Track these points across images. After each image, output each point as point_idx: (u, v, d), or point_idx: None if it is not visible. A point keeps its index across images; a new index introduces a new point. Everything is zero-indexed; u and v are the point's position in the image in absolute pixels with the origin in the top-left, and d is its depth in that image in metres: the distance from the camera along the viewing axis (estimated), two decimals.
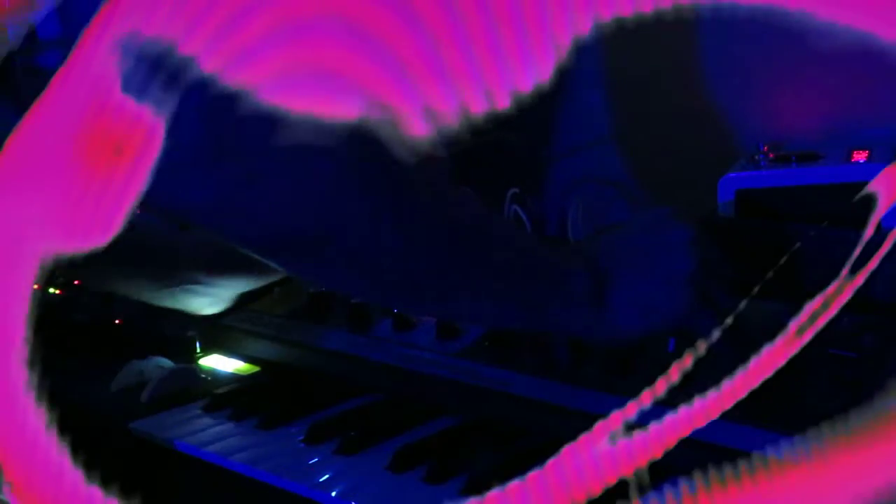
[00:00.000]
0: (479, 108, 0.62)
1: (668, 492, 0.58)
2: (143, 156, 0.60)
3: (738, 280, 0.82)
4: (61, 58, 0.62)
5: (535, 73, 0.62)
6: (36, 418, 0.64)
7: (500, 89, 0.62)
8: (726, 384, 0.61)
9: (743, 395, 0.62)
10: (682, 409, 0.61)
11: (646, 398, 0.61)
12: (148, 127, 0.59)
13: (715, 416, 0.61)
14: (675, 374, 0.61)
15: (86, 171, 0.61)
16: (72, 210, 0.62)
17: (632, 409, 0.61)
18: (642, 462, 0.60)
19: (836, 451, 0.56)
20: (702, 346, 0.64)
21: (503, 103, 0.63)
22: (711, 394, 0.61)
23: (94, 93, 0.60)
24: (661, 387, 0.61)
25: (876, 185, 0.66)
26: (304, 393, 1.00)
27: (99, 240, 0.62)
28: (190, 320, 1.11)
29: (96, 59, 0.60)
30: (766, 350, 0.62)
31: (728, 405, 0.61)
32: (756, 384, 0.62)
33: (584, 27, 0.61)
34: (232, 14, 0.58)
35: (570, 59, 0.61)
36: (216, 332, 1.12)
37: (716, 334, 0.72)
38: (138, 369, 1.08)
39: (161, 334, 1.13)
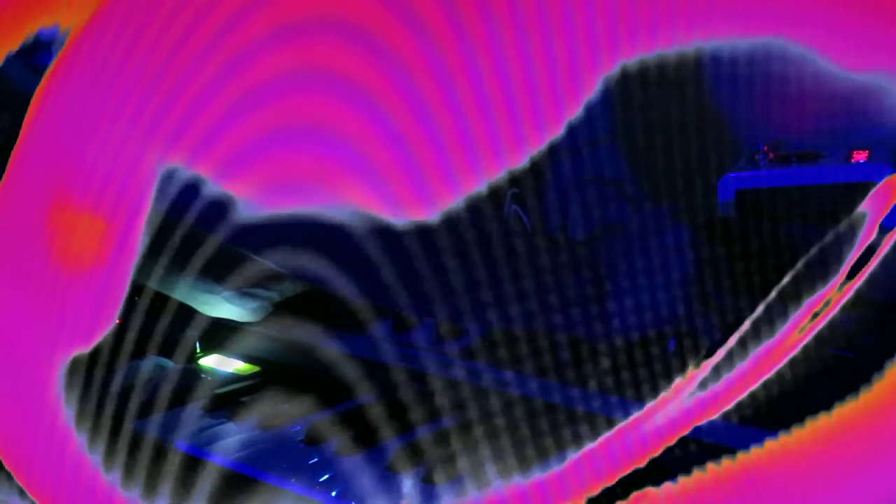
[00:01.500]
0: (497, 174, 0.64)
1: (668, 489, 0.58)
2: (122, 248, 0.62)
3: (738, 280, 0.82)
4: None
5: (549, 133, 0.64)
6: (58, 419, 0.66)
7: (518, 155, 0.64)
8: (726, 383, 0.61)
9: (743, 394, 0.62)
10: (683, 408, 0.61)
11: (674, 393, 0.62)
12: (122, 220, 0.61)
13: (714, 415, 0.61)
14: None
15: (66, 268, 0.62)
16: (66, 314, 0.64)
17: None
18: (642, 460, 0.60)
19: (835, 449, 0.56)
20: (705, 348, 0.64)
21: (519, 163, 0.65)
22: (711, 393, 0.61)
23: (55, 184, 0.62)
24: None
25: (877, 188, 0.67)
26: (304, 393, 1.00)
27: (100, 334, 0.64)
28: (190, 320, 1.11)
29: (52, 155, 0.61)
30: (766, 349, 0.62)
31: (728, 405, 0.61)
32: (756, 384, 0.62)
33: (591, 88, 0.62)
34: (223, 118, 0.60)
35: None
36: (216, 332, 1.12)
37: (716, 334, 0.72)
38: (138, 369, 1.07)
39: (161, 334, 1.13)
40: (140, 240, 0.64)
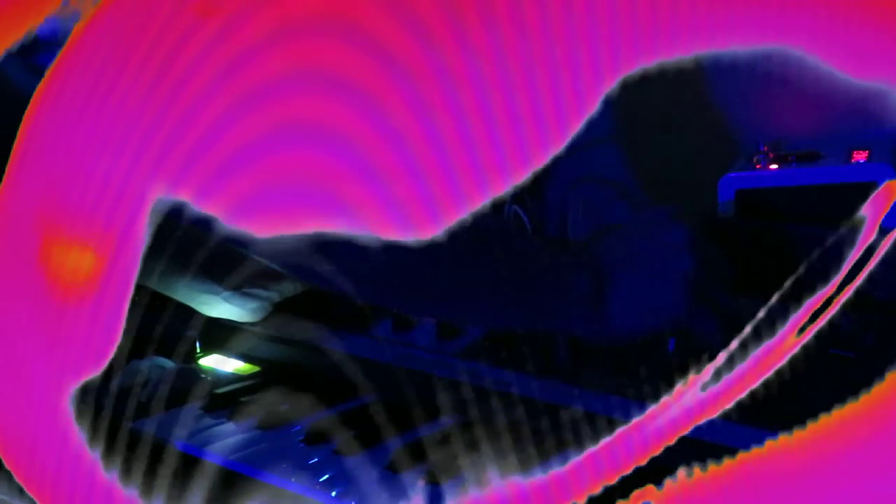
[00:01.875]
0: (503, 189, 0.65)
1: (668, 489, 0.58)
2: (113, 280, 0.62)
3: (738, 280, 0.82)
4: None
5: (552, 150, 0.64)
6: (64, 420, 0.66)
7: (521, 174, 0.64)
8: (726, 383, 0.61)
9: (743, 394, 0.62)
10: (683, 408, 0.61)
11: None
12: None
13: (714, 415, 0.62)
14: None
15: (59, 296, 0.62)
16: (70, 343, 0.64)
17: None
18: (643, 460, 0.60)
19: (835, 449, 0.56)
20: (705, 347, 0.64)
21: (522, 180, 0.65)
22: (711, 393, 0.61)
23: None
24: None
25: (876, 193, 0.67)
26: (304, 393, 1.00)
27: (104, 361, 0.64)
28: (190, 320, 1.11)
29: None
30: (766, 349, 0.62)
31: (728, 405, 0.61)
32: (756, 384, 0.62)
33: (594, 106, 0.62)
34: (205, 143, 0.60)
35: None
36: (216, 332, 1.12)
37: (716, 334, 0.72)
38: (138, 369, 1.07)
39: (161, 334, 1.13)
40: (136, 264, 0.64)
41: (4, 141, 0.64)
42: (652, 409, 0.62)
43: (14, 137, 0.64)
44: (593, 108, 0.61)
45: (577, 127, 0.62)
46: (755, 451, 0.57)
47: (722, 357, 0.63)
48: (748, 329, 0.65)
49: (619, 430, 0.62)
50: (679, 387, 0.62)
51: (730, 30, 0.60)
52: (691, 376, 0.63)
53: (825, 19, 0.58)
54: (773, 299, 0.68)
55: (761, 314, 0.67)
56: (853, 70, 0.59)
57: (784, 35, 0.59)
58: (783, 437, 0.57)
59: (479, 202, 0.63)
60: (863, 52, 0.58)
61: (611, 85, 0.61)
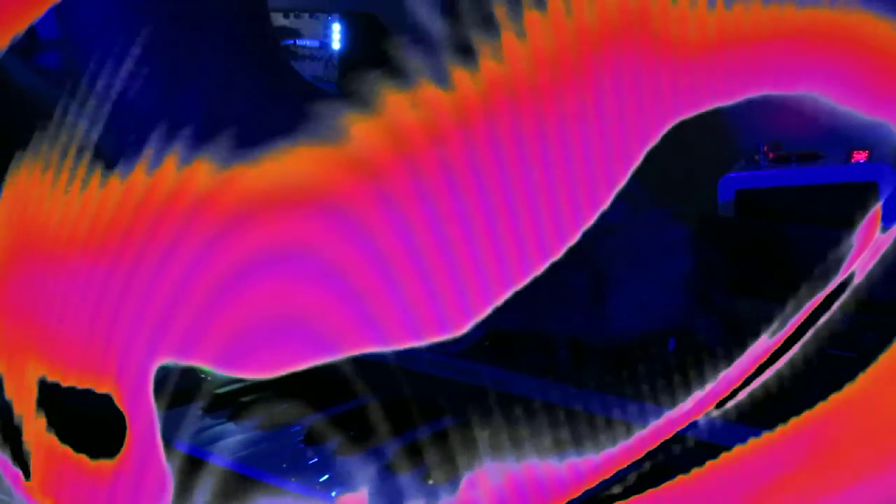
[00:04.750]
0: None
1: (667, 487, 0.58)
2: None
3: (738, 280, 0.83)
4: (61, 58, 0.63)
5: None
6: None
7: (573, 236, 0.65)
8: (725, 383, 0.62)
9: (742, 395, 0.62)
10: (682, 407, 0.61)
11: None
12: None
13: (713, 415, 0.62)
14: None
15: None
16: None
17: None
18: (640, 458, 0.60)
19: (833, 448, 0.57)
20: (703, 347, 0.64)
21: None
22: (710, 393, 0.61)
23: None
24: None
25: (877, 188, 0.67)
26: (304, 393, 1.00)
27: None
28: None
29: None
30: (766, 349, 0.62)
31: (727, 405, 0.61)
32: (755, 384, 0.62)
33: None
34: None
35: None
36: None
37: (715, 334, 0.72)
38: None
39: None
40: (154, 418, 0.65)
41: (4, 141, 0.64)
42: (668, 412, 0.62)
43: (14, 137, 0.64)
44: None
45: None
46: (753, 451, 0.58)
47: (721, 357, 0.64)
48: (749, 331, 0.66)
49: (619, 430, 0.62)
50: (696, 393, 0.63)
51: (759, 83, 0.61)
52: (691, 376, 0.63)
53: (840, 67, 0.59)
54: (774, 300, 0.68)
55: (761, 315, 0.67)
56: (860, 108, 0.60)
57: (806, 84, 0.60)
58: (782, 437, 0.57)
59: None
60: (870, 93, 0.59)
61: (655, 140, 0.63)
